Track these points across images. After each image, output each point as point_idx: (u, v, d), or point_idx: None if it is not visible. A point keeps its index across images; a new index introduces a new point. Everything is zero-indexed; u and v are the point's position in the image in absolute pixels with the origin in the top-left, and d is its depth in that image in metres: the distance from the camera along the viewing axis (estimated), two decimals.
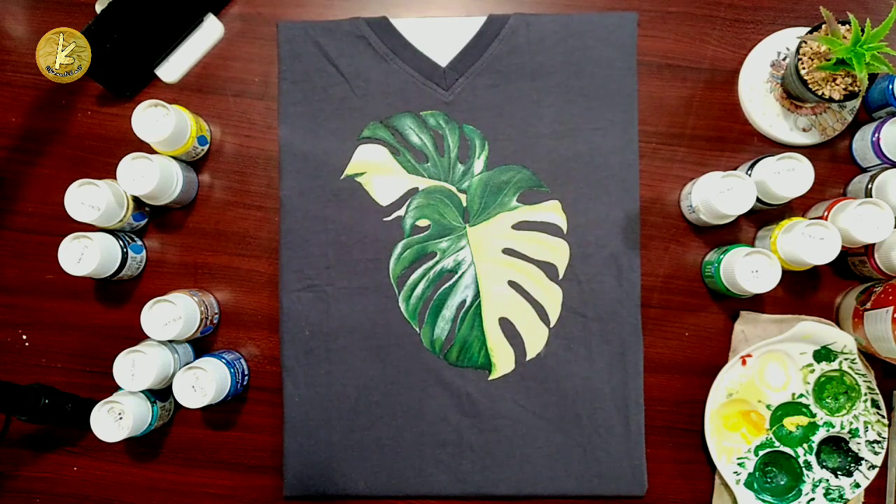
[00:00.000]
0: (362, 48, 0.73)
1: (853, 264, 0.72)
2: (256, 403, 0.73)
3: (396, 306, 0.72)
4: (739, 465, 0.70)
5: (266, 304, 0.73)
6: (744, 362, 0.70)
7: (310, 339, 0.72)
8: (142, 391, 0.67)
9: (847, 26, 0.66)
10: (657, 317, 0.73)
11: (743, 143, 0.74)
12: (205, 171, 0.75)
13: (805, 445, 0.70)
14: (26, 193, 0.75)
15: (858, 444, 0.69)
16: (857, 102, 0.72)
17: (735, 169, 0.71)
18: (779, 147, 0.73)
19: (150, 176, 0.66)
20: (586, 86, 0.72)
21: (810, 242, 0.65)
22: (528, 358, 0.71)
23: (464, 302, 0.72)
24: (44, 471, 0.74)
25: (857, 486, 0.69)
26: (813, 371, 0.70)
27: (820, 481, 0.70)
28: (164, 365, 0.66)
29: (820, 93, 0.67)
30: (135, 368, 0.66)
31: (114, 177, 0.67)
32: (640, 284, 0.72)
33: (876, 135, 0.69)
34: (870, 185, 0.69)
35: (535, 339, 0.71)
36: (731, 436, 0.71)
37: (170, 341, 0.69)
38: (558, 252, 0.72)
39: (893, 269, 0.67)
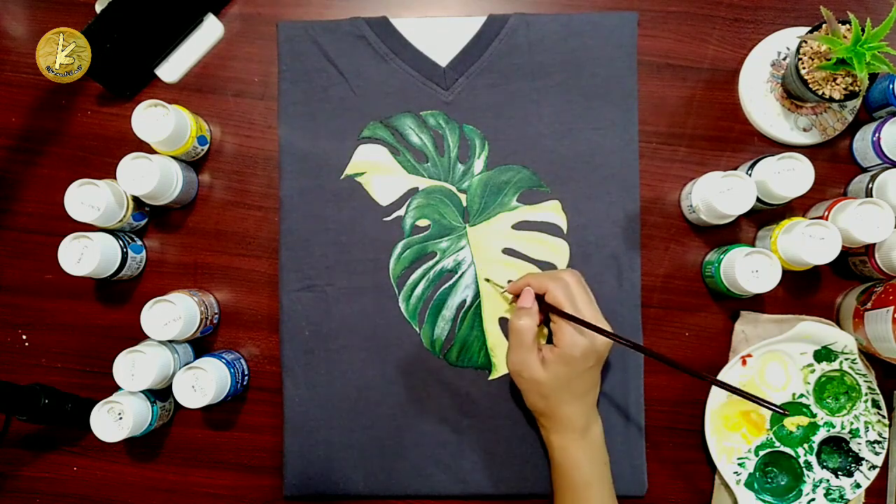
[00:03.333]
0: (362, 48, 0.73)
1: (854, 264, 0.72)
2: (256, 403, 0.73)
3: (396, 306, 0.72)
4: (740, 465, 0.70)
5: (266, 304, 0.73)
6: (744, 362, 0.70)
7: (310, 339, 0.72)
8: (142, 391, 0.67)
9: (847, 26, 0.66)
10: (657, 317, 0.73)
11: (743, 143, 0.74)
12: (205, 171, 0.75)
13: (805, 445, 0.70)
14: (26, 193, 0.75)
15: (859, 444, 0.69)
16: (857, 102, 0.72)
17: (735, 169, 0.71)
18: (779, 147, 0.73)
19: (150, 176, 0.66)
20: (586, 85, 0.72)
21: (810, 242, 0.65)
22: None
23: (464, 302, 0.72)
24: (44, 471, 0.74)
25: (858, 486, 0.69)
26: (813, 371, 0.70)
27: (820, 481, 0.70)
28: (164, 365, 0.66)
29: (820, 92, 0.67)
30: (135, 368, 0.66)
31: (114, 177, 0.67)
32: (640, 284, 0.72)
33: (876, 134, 0.69)
34: (870, 185, 0.69)
35: None
36: (732, 436, 0.70)
37: (170, 341, 0.69)
38: (558, 252, 0.72)
39: (894, 268, 0.67)
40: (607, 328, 0.62)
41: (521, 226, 0.72)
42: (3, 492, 0.74)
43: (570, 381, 0.62)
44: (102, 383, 0.71)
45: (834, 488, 0.69)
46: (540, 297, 0.64)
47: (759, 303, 0.72)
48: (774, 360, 0.70)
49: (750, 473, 0.70)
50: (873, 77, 0.66)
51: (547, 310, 0.63)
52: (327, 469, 0.71)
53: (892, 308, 0.63)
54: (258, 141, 0.74)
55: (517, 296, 0.65)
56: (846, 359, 0.69)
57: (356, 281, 0.72)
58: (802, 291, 0.73)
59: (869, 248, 0.69)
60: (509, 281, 0.68)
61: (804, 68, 0.67)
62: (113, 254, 0.68)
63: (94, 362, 0.73)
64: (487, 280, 0.71)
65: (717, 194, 0.66)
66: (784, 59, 0.73)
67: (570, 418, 0.63)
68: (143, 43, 0.73)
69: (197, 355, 0.72)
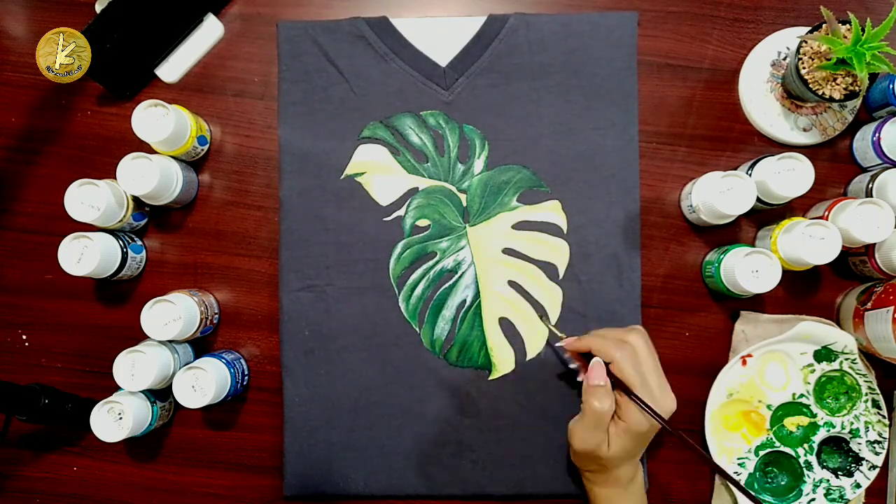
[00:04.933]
0: (362, 48, 0.73)
1: (854, 264, 0.72)
2: (256, 403, 0.73)
3: (396, 306, 0.72)
4: (740, 465, 0.70)
5: (266, 304, 0.73)
6: (744, 362, 0.70)
7: (310, 339, 0.72)
8: (142, 391, 0.67)
9: (847, 26, 0.66)
10: (657, 317, 0.73)
11: (743, 143, 0.73)
12: (205, 171, 0.75)
13: (805, 445, 0.70)
14: (26, 193, 0.75)
15: (859, 444, 0.69)
16: (857, 102, 0.72)
17: (735, 169, 0.71)
18: (779, 147, 0.73)
19: (150, 176, 0.66)
20: (586, 86, 0.72)
21: (810, 242, 0.65)
22: (528, 358, 0.71)
23: (464, 302, 0.72)
24: (44, 471, 0.74)
25: (858, 486, 0.69)
26: (813, 371, 0.70)
27: (820, 481, 0.70)
28: (164, 365, 0.66)
29: (820, 92, 0.67)
30: (135, 368, 0.66)
31: (114, 177, 0.67)
32: (640, 284, 0.72)
33: (876, 134, 0.69)
34: (870, 185, 0.69)
35: (535, 340, 0.71)
36: (732, 436, 0.70)
37: (170, 341, 0.69)
38: (558, 252, 0.72)
39: (894, 268, 0.67)
40: (672, 399, 0.61)
41: (521, 226, 0.72)
42: (3, 492, 0.74)
43: (633, 451, 0.63)
44: (102, 383, 0.71)
45: (834, 488, 0.69)
46: (605, 364, 0.62)
47: (759, 303, 0.72)
48: (774, 360, 0.70)
49: (750, 473, 0.70)
50: (873, 77, 0.66)
51: (613, 381, 0.62)
52: (327, 469, 0.71)
53: (892, 308, 0.63)
54: (258, 141, 0.74)
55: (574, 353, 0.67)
56: (846, 359, 0.69)
57: (356, 281, 0.72)
58: (802, 291, 0.73)
59: (869, 248, 0.69)
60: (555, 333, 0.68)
61: (804, 68, 0.67)
62: (113, 254, 0.68)
63: (94, 362, 0.73)
64: (541, 317, 0.70)
65: (717, 194, 0.66)
66: (784, 59, 0.73)
67: (619, 475, 0.64)
68: (143, 43, 0.73)
69: (197, 355, 0.72)
